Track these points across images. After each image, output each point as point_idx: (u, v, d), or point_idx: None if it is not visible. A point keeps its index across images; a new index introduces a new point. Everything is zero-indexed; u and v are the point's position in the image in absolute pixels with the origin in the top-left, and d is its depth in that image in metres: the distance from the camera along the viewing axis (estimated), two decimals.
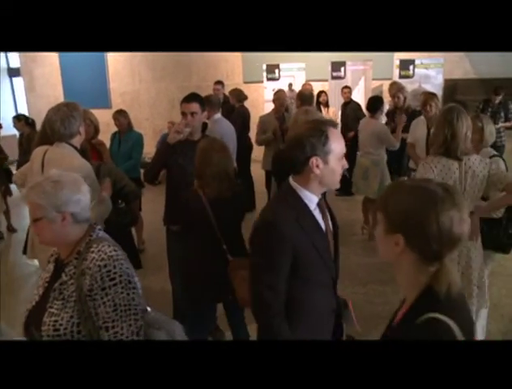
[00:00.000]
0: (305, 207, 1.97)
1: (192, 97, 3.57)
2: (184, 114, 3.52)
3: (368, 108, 5.94)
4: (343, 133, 7.70)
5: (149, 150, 6.92)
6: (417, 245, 1.27)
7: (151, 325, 1.87)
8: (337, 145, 1.92)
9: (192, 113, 3.49)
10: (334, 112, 8.26)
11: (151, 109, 11.35)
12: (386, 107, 6.82)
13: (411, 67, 8.91)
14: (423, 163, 3.03)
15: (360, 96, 8.72)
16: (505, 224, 3.25)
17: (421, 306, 1.25)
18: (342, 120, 7.89)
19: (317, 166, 1.88)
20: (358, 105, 7.68)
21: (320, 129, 1.89)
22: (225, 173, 2.82)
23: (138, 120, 10.25)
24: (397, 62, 8.94)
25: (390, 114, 6.81)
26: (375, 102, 5.86)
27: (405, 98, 6.43)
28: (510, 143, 8.15)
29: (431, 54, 8.69)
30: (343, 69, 9.10)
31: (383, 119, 6.60)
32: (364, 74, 9.18)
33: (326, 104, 8.29)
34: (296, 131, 2.03)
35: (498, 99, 7.61)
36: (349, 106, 7.73)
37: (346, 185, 7.27)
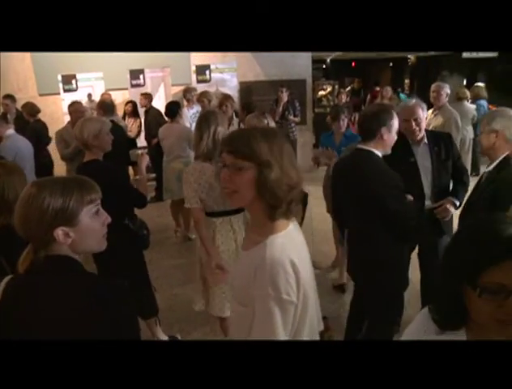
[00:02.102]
0: None
1: None
2: None
3: (166, 113, 6.10)
4: (147, 140, 7.77)
5: None
6: None
7: None
8: (396, 122, 2.73)
9: None
10: (138, 122, 8.29)
11: None
12: (185, 110, 7.08)
13: (207, 72, 9.34)
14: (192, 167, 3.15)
15: (161, 103, 8.83)
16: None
17: None
18: (145, 127, 7.96)
19: (384, 134, 2.66)
20: (158, 112, 7.75)
21: (388, 109, 2.75)
22: None
23: None
24: (193, 68, 9.29)
25: None
26: (173, 107, 6.04)
27: (209, 101, 6.72)
28: (302, 137, 9.09)
29: (225, 59, 9.23)
30: (142, 76, 9.14)
31: (185, 122, 6.82)
32: (163, 80, 9.34)
33: (132, 114, 8.26)
34: (368, 109, 2.97)
35: (286, 97, 8.38)
36: (150, 113, 7.81)
37: (157, 192, 7.37)
